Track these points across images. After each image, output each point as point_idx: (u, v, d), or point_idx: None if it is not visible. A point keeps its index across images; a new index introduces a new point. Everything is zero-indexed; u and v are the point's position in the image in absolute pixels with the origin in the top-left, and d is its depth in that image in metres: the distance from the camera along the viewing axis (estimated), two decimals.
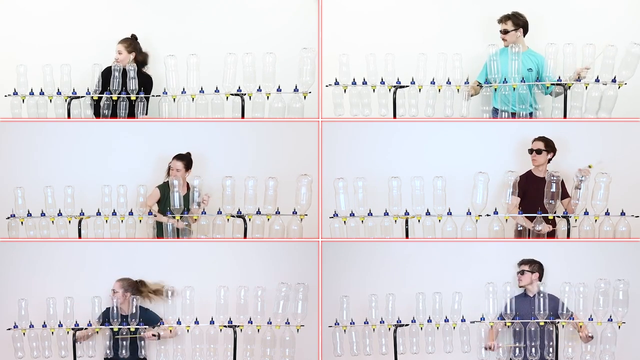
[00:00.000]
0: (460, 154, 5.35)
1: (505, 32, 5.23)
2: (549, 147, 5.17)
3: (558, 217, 4.97)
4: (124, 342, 4.95)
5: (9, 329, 5.00)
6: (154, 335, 4.98)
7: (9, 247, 5.18)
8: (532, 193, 5.11)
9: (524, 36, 5.27)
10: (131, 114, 5.19)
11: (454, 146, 5.37)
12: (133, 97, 5.18)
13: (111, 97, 5.15)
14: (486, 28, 5.40)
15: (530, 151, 5.19)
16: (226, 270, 5.21)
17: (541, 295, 4.93)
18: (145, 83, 5.31)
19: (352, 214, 4.98)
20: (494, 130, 5.37)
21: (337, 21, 5.41)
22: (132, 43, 5.38)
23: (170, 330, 4.99)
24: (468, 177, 4.97)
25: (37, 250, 5.24)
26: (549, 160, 5.20)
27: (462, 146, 5.37)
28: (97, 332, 5.01)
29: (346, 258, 5.26)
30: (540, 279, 5.07)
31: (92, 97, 5.15)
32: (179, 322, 4.97)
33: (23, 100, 5.14)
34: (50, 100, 5.14)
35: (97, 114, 5.21)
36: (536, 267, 5.08)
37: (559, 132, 5.22)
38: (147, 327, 4.99)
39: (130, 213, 5.10)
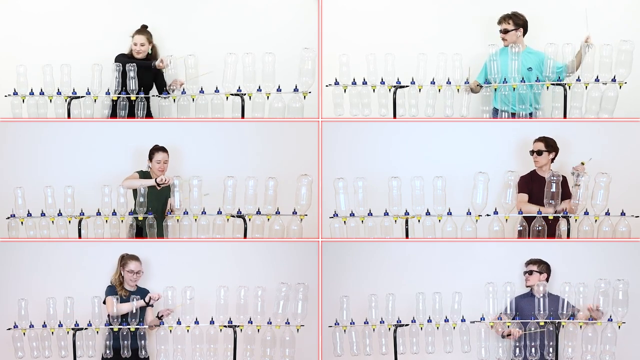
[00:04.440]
0: (460, 154, 5.36)
1: (505, 31, 5.23)
2: (550, 147, 5.17)
3: (558, 217, 4.97)
4: (125, 342, 4.95)
5: (9, 329, 5.00)
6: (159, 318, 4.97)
7: (9, 247, 5.18)
8: (536, 192, 5.10)
9: (524, 36, 5.27)
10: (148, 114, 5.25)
11: (454, 146, 5.38)
12: (133, 97, 5.18)
13: (113, 97, 5.16)
14: (486, 28, 5.40)
15: (532, 152, 5.19)
16: (226, 270, 5.21)
17: (541, 295, 4.92)
18: (162, 80, 5.34)
19: (352, 214, 4.98)
20: (494, 130, 5.37)
21: (337, 21, 5.41)
22: (150, 34, 5.38)
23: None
24: (468, 177, 4.97)
25: (37, 250, 5.24)
26: (552, 160, 5.20)
27: (462, 146, 5.37)
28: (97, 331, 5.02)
29: (346, 258, 5.26)
30: (547, 279, 5.07)
31: (94, 98, 5.15)
32: (179, 322, 4.96)
33: (23, 100, 5.14)
34: (50, 100, 5.14)
35: (114, 113, 5.20)
36: (544, 267, 5.08)
37: (559, 132, 5.22)
38: (146, 326, 5.00)
39: (131, 213, 5.10)
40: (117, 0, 5.57)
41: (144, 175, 5.19)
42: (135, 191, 5.10)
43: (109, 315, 4.97)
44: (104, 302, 4.99)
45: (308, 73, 4.96)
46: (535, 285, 5.01)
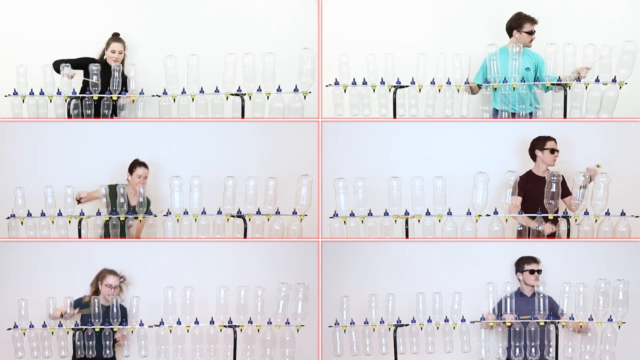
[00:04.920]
0: (460, 154, 5.36)
1: (534, 32, 5.22)
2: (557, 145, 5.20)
3: (558, 217, 4.97)
4: (90, 342, 4.94)
5: (9, 329, 5.00)
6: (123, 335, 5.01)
7: (9, 247, 5.18)
8: (533, 193, 5.10)
9: None
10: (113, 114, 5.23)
11: (454, 146, 5.38)
12: (133, 97, 5.19)
13: (111, 97, 5.17)
14: (486, 28, 5.40)
15: (552, 151, 5.16)
16: (226, 270, 5.21)
17: (541, 295, 4.93)
18: (125, 83, 5.34)
19: (352, 214, 4.98)
20: (494, 130, 5.37)
21: (337, 21, 5.42)
22: (124, 42, 5.41)
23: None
24: (468, 177, 4.97)
25: (37, 250, 5.24)
26: None
27: (462, 146, 5.37)
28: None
29: (346, 258, 5.26)
30: None
31: (94, 98, 5.16)
32: (179, 322, 4.97)
33: (23, 100, 5.14)
34: (50, 100, 5.14)
35: (97, 113, 5.21)
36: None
37: (559, 132, 5.22)
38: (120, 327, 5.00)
39: (130, 213, 5.10)
40: (117, 0, 5.57)
41: (112, 189, 5.11)
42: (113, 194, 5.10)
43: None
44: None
45: (308, 73, 4.96)
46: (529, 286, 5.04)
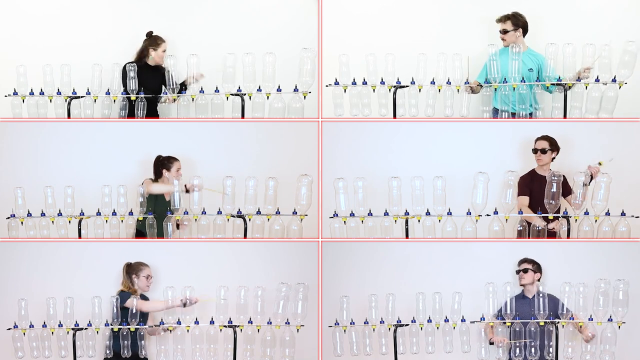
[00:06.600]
0: (460, 154, 5.36)
1: (504, 31, 5.23)
2: (553, 146, 5.18)
3: (558, 217, 4.96)
4: (125, 342, 4.96)
5: (9, 329, 5.00)
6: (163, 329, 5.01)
7: (9, 247, 5.18)
8: (536, 192, 5.10)
9: (524, 36, 5.27)
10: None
11: (454, 146, 5.38)
12: (133, 97, 5.19)
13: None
14: (486, 28, 5.40)
15: (535, 151, 5.18)
16: (226, 270, 5.22)
17: (541, 295, 4.93)
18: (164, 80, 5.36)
19: (352, 214, 4.98)
20: (494, 130, 5.37)
21: (337, 21, 5.41)
22: None
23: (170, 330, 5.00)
24: (468, 177, 4.97)
25: (37, 250, 5.24)
26: (553, 159, 5.20)
27: (462, 146, 5.37)
28: (97, 331, 5.02)
29: (346, 258, 5.27)
30: (539, 279, 5.07)
31: (93, 98, 5.17)
32: (179, 322, 4.97)
33: (23, 100, 5.14)
34: (50, 100, 5.15)
35: (131, 114, 5.21)
36: (537, 266, 5.09)
37: (559, 132, 5.22)
38: (151, 327, 5.00)
39: (131, 213, 5.10)
40: (117, 0, 5.57)
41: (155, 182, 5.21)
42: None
43: (127, 313, 4.97)
44: (121, 308, 4.98)
45: (308, 73, 4.97)
46: (528, 285, 5.03)
